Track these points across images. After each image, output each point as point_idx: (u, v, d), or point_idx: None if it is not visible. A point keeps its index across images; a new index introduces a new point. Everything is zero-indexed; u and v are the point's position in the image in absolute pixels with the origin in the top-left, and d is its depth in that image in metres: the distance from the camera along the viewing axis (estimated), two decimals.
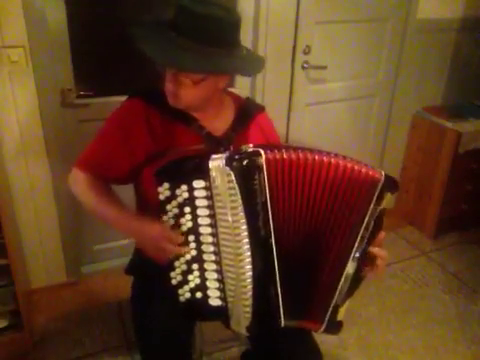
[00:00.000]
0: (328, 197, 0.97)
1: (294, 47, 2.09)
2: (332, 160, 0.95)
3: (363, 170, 0.96)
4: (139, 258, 1.25)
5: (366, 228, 0.98)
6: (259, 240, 0.95)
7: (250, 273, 0.96)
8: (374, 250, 1.02)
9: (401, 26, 2.34)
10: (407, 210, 2.78)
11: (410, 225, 2.76)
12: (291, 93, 2.19)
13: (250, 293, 0.97)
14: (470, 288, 2.25)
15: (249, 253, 0.95)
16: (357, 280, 1.03)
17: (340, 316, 1.04)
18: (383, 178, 0.97)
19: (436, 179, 2.53)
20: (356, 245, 0.99)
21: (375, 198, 0.97)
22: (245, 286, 0.97)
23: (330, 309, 1.02)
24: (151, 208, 1.09)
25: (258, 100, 2.11)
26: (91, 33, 1.82)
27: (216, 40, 1.02)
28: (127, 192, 1.24)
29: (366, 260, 1.02)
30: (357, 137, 2.53)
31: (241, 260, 0.95)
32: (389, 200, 0.99)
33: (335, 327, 1.05)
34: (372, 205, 0.97)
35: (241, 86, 2.09)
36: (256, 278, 0.96)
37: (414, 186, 2.71)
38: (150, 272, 1.09)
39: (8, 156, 1.77)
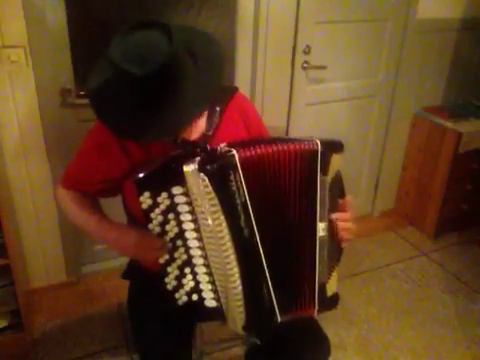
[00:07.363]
0: (294, 184, 0.97)
1: (294, 47, 2.09)
2: (291, 147, 0.95)
3: (297, 147, 0.96)
4: (135, 262, 1.25)
5: (322, 198, 0.99)
6: (243, 240, 0.94)
7: (238, 274, 0.95)
8: (335, 216, 1.02)
9: (401, 26, 2.34)
10: (407, 210, 2.78)
11: (410, 225, 2.76)
12: (291, 93, 2.19)
13: (241, 293, 0.96)
14: (470, 288, 2.25)
15: (234, 254, 0.94)
16: (335, 251, 1.04)
17: (331, 290, 1.05)
18: (319, 147, 0.96)
19: (436, 179, 2.53)
20: (318, 218, 0.99)
21: (319, 168, 0.97)
22: (235, 287, 0.96)
23: (316, 289, 1.02)
24: (137, 218, 1.08)
25: (258, 100, 2.11)
26: (91, 33, 1.82)
27: (169, 85, 0.91)
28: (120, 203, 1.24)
29: (334, 228, 1.03)
30: (357, 137, 2.53)
31: (228, 262, 0.94)
32: (338, 163, 1.01)
33: (330, 303, 1.05)
34: (318, 175, 0.97)
35: (241, 86, 2.09)
36: (246, 278, 0.96)
37: (414, 186, 2.71)
38: (146, 276, 1.09)
39: (8, 156, 1.77)
